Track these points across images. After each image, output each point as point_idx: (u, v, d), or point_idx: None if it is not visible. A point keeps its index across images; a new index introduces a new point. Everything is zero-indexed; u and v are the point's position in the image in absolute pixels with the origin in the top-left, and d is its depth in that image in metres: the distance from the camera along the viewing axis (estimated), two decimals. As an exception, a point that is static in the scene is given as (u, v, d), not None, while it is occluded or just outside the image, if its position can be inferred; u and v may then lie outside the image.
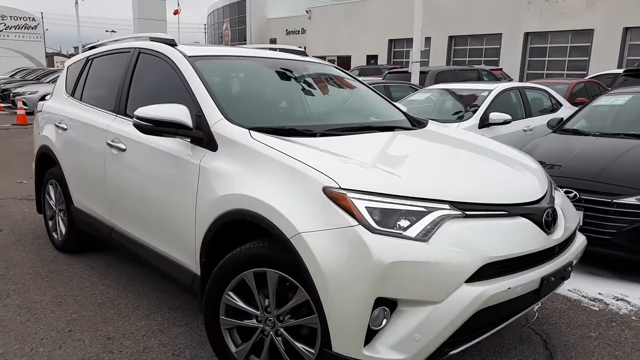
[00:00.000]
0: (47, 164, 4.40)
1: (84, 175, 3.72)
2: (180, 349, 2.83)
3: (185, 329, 3.05)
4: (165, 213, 2.88)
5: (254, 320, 2.40)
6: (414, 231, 2.00)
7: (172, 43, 3.32)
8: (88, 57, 4.16)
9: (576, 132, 5.06)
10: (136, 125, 2.75)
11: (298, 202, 2.13)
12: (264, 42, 43.89)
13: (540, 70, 24.24)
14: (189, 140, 2.75)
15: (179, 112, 2.68)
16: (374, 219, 2.00)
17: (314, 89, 3.55)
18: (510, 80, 15.23)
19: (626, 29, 21.09)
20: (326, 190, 2.09)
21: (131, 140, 3.16)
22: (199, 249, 2.64)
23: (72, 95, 4.15)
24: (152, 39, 3.48)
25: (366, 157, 2.41)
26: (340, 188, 2.08)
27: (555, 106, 7.61)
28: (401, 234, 2.00)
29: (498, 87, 6.71)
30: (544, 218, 2.32)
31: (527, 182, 2.55)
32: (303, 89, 3.48)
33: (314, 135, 2.67)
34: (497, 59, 25.39)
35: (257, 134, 2.52)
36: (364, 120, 3.32)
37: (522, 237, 2.20)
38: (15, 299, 3.43)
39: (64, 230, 4.23)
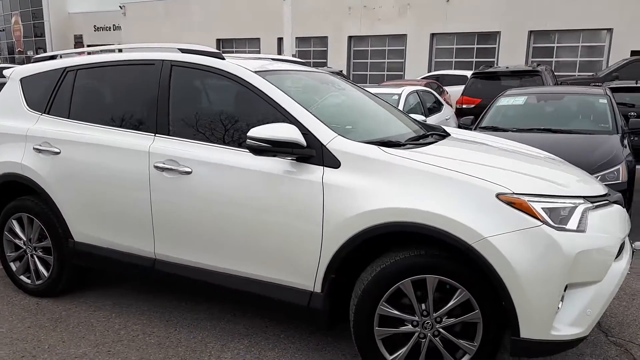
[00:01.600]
0: (6, 196, 3.70)
1: (104, 205, 3.25)
2: (295, 372, 2.78)
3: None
4: (267, 237, 2.76)
5: (410, 325, 2.52)
6: (573, 224, 2.37)
7: (221, 56, 3.13)
8: (66, 68, 3.59)
9: (495, 129, 5.94)
10: (251, 147, 2.60)
11: (469, 210, 2.33)
12: (67, 39, 39.91)
13: (363, 71, 26.57)
14: (290, 158, 2.70)
15: (292, 132, 2.62)
16: (550, 218, 2.32)
17: (365, 102, 3.66)
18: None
19: (432, 35, 24.36)
20: (501, 197, 2.33)
21: (198, 161, 2.92)
22: (324, 266, 2.63)
23: (48, 112, 3.56)
24: (187, 50, 3.22)
25: (490, 163, 2.69)
26: (514, 193, 2.34)
27: (439, 106, 8.67)
28: (565, 227, 2.35)
29: (405, 89, 7.43)
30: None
31: (589, 177, 3.10)
32: (357, 102, 3.58)
33: (403, 145, 2.82)
34: (325, 60, 27.08)
35: (386, 148, 2.62)
36: (409, 129, 3.51)
37: (624, 220, 2.73)
38: None
39: (45, 272, 3.62)
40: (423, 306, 2.50)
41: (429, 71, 22.89)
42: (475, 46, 23.91)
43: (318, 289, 2.70)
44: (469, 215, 2.32)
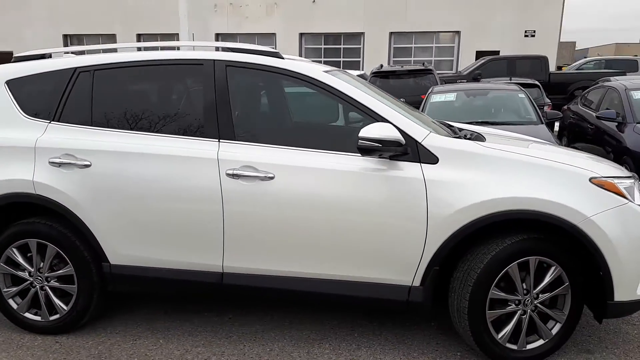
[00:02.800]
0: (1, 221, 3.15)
1: (157, 220, 2.92)
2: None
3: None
4: (362, 238, 2.76)
5: (513, 305, 2.75)
6: (638, 199, 2.79)
7: (280, 56, 3.02)
8: (77, 68, 3.14)
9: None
10: (361, 147, 2.60)
11: (571, 194, 2.62)
12: None
13: (233, 69, 26.26)
14: (377, 157, 2.75)
15: (394, 130, 2.67)
16: (631, 195, 2.70)
17: (391, 99, 3.74)
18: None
19: (301, 34, 24.97)
20: (593, 180, 2.66)
21: (282, 166, 2.80)
22: (426, 261, 2.73)
23: (58, 119, 3.08)
24: (242, 50, 3.04)
25: (555, 152, 3.00)
26: (602, 177, 2.68)
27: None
28: (636, 202, 2.75)
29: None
30: None
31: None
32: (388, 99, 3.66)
33: (473, 139, 3.03)
34: (191, 58, 26.20)
35: (480, 143, 2.80)
36: (437, 126, 3.68)
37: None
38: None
39: (64, 305, 3.14)
40: (524, 285, 2.74)
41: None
42: (342, 46, 25.07)
43: (417, 282, 2.79)
44: (572, 199, 2.61)
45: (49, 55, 3.37)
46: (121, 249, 3.01)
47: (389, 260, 2.78)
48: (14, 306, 3.21)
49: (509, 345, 2.77)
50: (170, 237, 2.95)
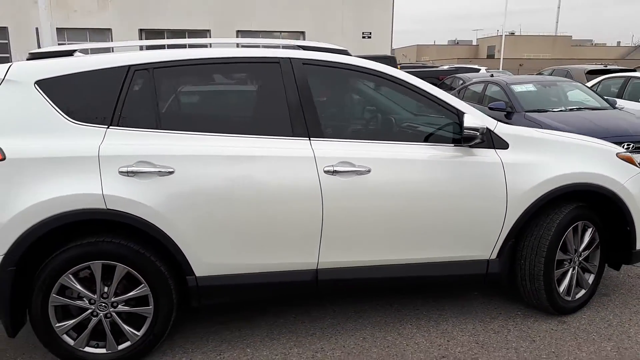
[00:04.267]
0: (53, 243, 2.70)
1: (250, 224, 2.79)
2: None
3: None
4: (451, 220, 3.02)
5: (567, 263, 3.28)
6: None
7: (348, 53, 3.11)
8: (131, 66, 2.81)
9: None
10: (467, 137, 2.85)
11: (608, 167, 3.23)
12: None
13: (64, 67, 23.66)
14: (453, 145, 3.05)
15: (483, 120, 3.00)
16: (639, 165, 3.42)
17: None
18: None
19: (141, 30, 23.53)
20: (618, 155, 3.30)
21: (375, 159, 2.91)
22: (504, 235, 3.12)
23: (117, 124, 2.74)
24: (311, 48, 3.05)
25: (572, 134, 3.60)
26: (622, 152, 3.34)
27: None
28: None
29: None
30: None
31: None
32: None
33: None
34: (7, 55, 22.92)
35: (539, 130, 3.26)
36: None
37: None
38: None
39: (135, 330, 2.81)
40: (574, 246, 3.28)
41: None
42: (188, 44, 24.20)
43: (494, 256, 3.16)
44: (611, 171, 3.22)
45: (72, 53, 2.95)
46: (208, 258, 2.81)
47: (473, 239, 3.09)
48: (70, 342, 2.76)
49: (566, 298, 3.29)
50: (264, 239, 2.85)
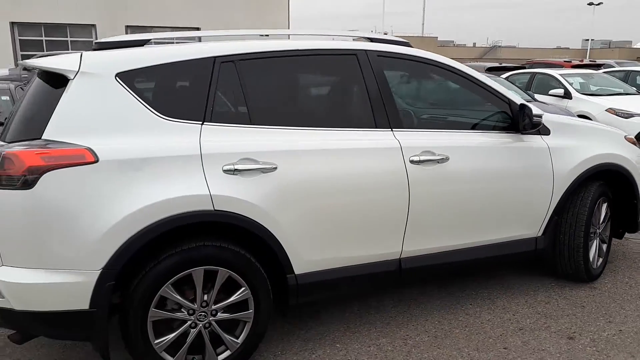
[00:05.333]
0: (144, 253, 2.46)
1: (344, 217, 2.77)
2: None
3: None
4: (512, 202, 3.27)
5: (594, 234, 3.68)
6: None
7: (410, 45, 3.20)
8: (216, 58, 2.63)
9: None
10: (537, 124, 3.09)
11: (621, 148, 3.68)
12: None
13: None
14: (506, 132, 3.30)
15: (537, 109, 3.26)
16: (640, 148, 3.94)
17: None
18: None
19: (13, 24, 21.18)
20: (626, 138, 3.78)
21: (452, 148, 3.05)
22: (550, 213, 3.44)
23: (210, 119, 2.56)
24: (377, 40, 3.08)
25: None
26: (627, 136, 3.83)
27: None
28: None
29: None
30: None
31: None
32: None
33: None
34: None
35: (569, 117, 3.61)
36: None
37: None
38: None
39: (233, 338, 2.66)
40: (600, 219, 3.70)
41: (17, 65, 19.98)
42: (70, 39, 22.31)
43: (541, 233, 3.46)
44: (625, 152, 3.68)
45: (144, 43, 2.70)
46: (308, 255, 2.75)
47: (527, 218, 3.36)
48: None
49: (594, 266, 3.70)
50: (357, 231, 2.86)
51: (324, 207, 2.74)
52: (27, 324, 2.36)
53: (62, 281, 2.29)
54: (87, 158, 2.29)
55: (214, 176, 2.48)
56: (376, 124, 2.92)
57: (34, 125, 2.44)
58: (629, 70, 11.44)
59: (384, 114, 2.94)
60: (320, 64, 2.93)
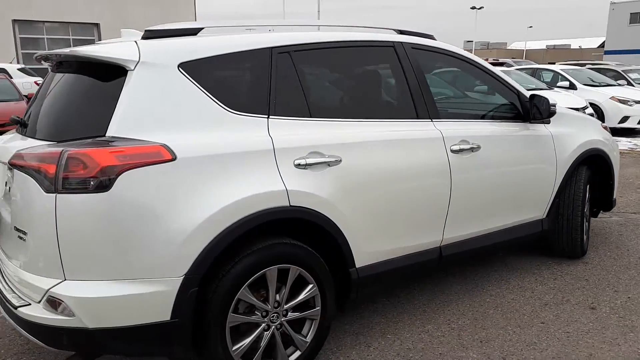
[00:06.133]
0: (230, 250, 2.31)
1: (396, 208, 2.79)
2: (542, 280, 3.72)
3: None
4: (526, 187, 3.48)
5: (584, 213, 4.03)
6: None
7: (434, 38, 3.30)
8: (273, 49, 2.52)
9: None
10: (553, 113, 3.30)
11: (602, 135, 4.05)
12: None
13: None
14: (517, 121, 3.53)
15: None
16: (608, 133, 4.36)
17: None
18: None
19: None
20: (602, 126, 4.18)
21: (482, 137, 3.18)
22: (554, 194, 3.72)
23: (274, 113, 2.46)
24: (406, 32, 3.14)
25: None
26: (602, 124, 4.23)
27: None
28: (600, 138, 4.45)
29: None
30: None
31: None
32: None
33: None
34: None
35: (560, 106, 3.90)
36: None
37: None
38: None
39: (302, 337, 2.58)
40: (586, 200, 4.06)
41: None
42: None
43: (545, 214, 3.73)
44: (604, 138, 4.06)
45: (197, 31, 2.52)
46: (367, 247, 2.74)
47: (537, 201, 3.61)
48: (247, 366, 2.40)
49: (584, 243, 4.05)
50: (409, 221, 2.90)
51: (381, 198, 2.74)
52: (103, 343, 2.11)
53: (142, 292, 2.08)
54: (164, 156, 2.10)
55: (287, 171, 2.39)
56: (418, 115, 2.97)
57: (87, 121, 2.20)
58: (535, 68, 12.58)
59: (424, 105, 3.00)
60: (365, 56, 2.92)
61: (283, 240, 2.43)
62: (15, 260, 2.26)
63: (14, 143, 2.49)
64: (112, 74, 2.22)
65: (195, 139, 2.21)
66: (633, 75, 13.45)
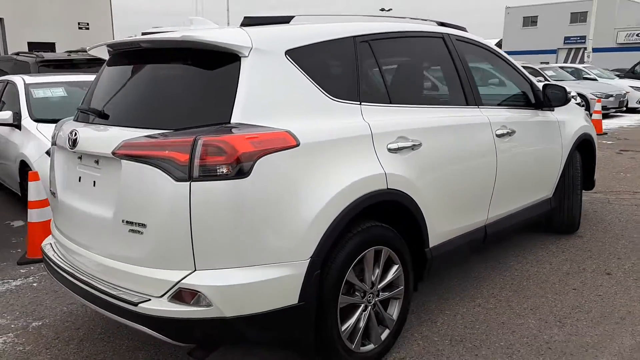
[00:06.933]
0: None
1: (460, 190, 2.98)
2: (552, 254, 4.08)
3: (526, 255, 4.05)
4: (542, 168, 3.82)
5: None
6: None
7: (467, 30, 3.52)
8: (355, 37, 2.60)
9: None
10: (568, 99, 3.64)
11: (587, 121, 4.51)
12: None
13: None
14: (532, 108, 3.87)
15: None
16: (587, 120, 4.85)
17: None
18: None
19: None
20: (586, 116, 4.65)
21: (515, 122, 3.46)
22: (560, 173, 4.10)
23: (365, 99, 2.54)
24: (446, 24, 3.34)
25: None
26: (585, 110, 4.70)
27: None
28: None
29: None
30: None
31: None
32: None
33: None
34: None
35: None
36: None
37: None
38: None
39: (392, 316, 2.69)
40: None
41: None
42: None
43: (551, 193, 4.10)
44: (589, 124, 4.52)
45: (290, 19, 2.55)
46: (439, 227, 2.88)
47: (549, 181, 3.96)
48: (351, 346, 2.45)
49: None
50: (467, 201, 3.10)
51: (448, 180, 2.91)
52: (239, 332, 2.08)
53: (274, 277, 2.08)
54: (290, 142, 2.12)
55: (383, 155, 2.48)
56: (467, 102, 3.17)
57: (201, 108, 2.16)
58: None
59: (472, 92, 3.21)
60: (424, 45, 3.08)
61: (376, 223, 2.51)
62: (122, 255, 2.15)
63: (92, 133, 2.36)
64: (220, 60, 2.18)
65: (308, 125, 2.23)
66: (549, 73, 14.74)
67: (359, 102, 2.50)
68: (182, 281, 2.01)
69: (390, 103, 2.68)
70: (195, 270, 2.02)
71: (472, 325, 2.97)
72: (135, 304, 2.04)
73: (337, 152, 2.29)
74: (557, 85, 3.80)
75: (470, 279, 3.60)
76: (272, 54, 2.24)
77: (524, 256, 4.01)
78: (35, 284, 3.67)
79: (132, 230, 2.08)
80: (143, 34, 2.89)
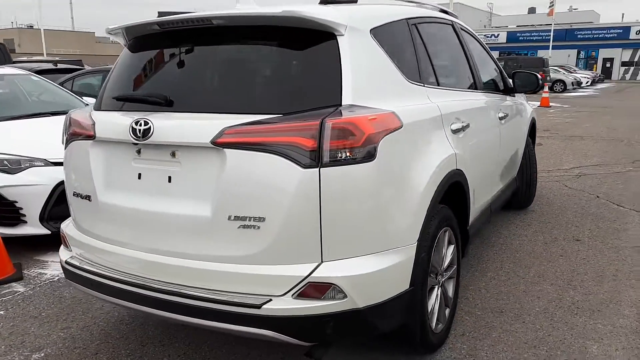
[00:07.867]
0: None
1: (485, 166, 3.19)
2: (521, 227, 4.47)
3: (500, 230, 4.38)
4: (515, 148, 4.18)
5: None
6: None
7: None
8: (408, 20, 2.61)
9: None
10: (541, 87, 4.00)
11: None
12: None
13: None
14: (502, 93, 4.21)
15: None
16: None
17: None
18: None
19: None
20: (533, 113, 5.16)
21: (505, 106, 3.75)
22: (521, 155, 4.50)
23: (425, 81, 2.57)
24: (443, 10, 3.48)
25: None
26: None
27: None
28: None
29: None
30: None
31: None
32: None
33: None
34: None
35: None
36: None
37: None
38: None
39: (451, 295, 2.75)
40: (524, 161, 4.97)
41: None
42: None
43: (516, 173, 4.49)
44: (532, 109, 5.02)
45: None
46: (476, 205, 3.03)
47: (515, 161, 4.32)
48: (434, 328, 2.47)
49: (529, 195, 4.96)
50: (490, 180, 3.35)
51: (482, 159, 3.12)
52: (371, 323, 1.97)
53: (394, 262, 2.03)
54: (396, 123, 2.07)
55: (450, 136, 2.53)
56: (476, 87, 3.35)
57: (303, 90, 2.02)
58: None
59: (479, 78, 3.42)
60: (445, 31, 3.18)
61: (443, 205, 2.55)
62: (227, 255, 1.92)
63: (167, 122, 2.04)
64: (314, 39, 2.04)
65: (400, 106, 2.19)
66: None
67: (422, 84, 2.51)
68: (312, 275, 1.86)
69: (439, 86, 2.73)
70: (322, 262, 1.88)
71: (501, 297, 3.15)
72: (259, 306, 1.85)
73: (425, 133, 2.29)
74: (528, 72, 4.17)
75: (467, 256, 3.79)
76: (363, 33, 2.16)
77: (499, 232, 4.33)
78: (2, 312, 3.09)
79: (245, 227, 1.87)
80: (160, 14, 2.58)
